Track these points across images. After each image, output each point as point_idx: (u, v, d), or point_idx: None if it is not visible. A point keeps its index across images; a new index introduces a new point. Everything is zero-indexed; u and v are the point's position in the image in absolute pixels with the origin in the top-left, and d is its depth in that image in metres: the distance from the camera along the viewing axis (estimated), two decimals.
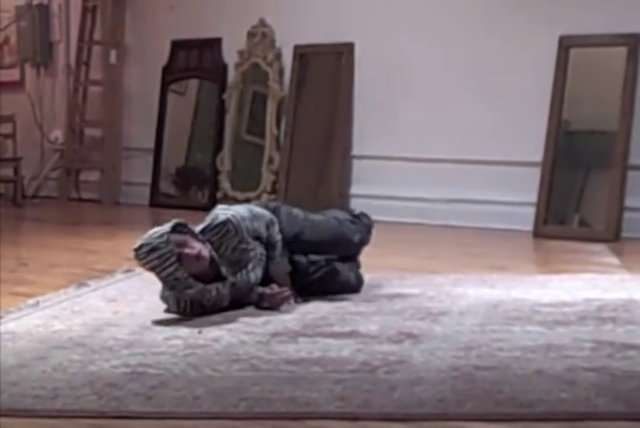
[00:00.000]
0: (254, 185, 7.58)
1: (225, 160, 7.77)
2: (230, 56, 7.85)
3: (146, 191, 8.21)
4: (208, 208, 5.39)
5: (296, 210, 4.16)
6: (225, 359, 3.07)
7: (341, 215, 4.28)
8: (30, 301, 4.01)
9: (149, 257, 3.58)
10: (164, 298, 3.77)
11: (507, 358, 3.06)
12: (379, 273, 4.47)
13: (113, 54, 8.40)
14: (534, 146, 6.34)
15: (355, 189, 7.24)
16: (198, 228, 3.79)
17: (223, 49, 7.91)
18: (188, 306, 3.71)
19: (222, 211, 3.85)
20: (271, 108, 7.55)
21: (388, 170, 7.04)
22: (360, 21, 7.17)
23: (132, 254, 3.64)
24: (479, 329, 3.48)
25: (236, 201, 7.14)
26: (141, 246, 3.59)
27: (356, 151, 7.25)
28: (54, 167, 8.94)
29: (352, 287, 4.18)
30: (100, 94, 8.55)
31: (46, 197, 8.86)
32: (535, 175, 6.33)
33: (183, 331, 3.46)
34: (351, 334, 3.40)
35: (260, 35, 7.63)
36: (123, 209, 8.23)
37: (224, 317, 3.68)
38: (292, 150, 7.43)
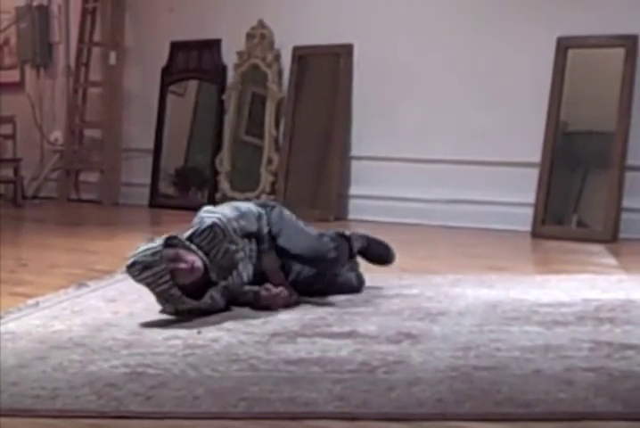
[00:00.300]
0: (253, 186, 7.59)
1: (224, 161, 7.78)
2: (229, 57, 7.86)
3: (146, 191, 8.22)
4: None
5: (288, 215, 4.08)
6: (224, 359, 3.07)
7: (330, 232, 4.17)
8: (30, 302, 4.01)
9: (142, 275, 3.56)
10: (161, 303, 3.75)
11: (506, 358, 3.06)
12: (378, 273, 4.47)
13: (113, 56, 8.41)
14: (532, 147, 6.35)
15: (353, 190, 7.25)
16: (186, 234, 3.75)
17: (222, 50, 7.92)
18: (186, 313, 3.71)
19: (207, 215, 3.81)
20: (270, 109, 7.56)
21: (386, 171, 7.05)
22: (359, 23, 7.18)
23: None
24: (477, 329, 3.48)
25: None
26: (134, 264, 3.55)
27: (354, 151, 7.26)
28: (54, 167, 8.95)
29: (352, 287, 4.18)
30: (99, 95, 8.56)
31: (46, 198, 8.87)
32: (533, 175, 6.34)
33: (182, 331, 3.46)
34: (350, 335, 3.41)
35: (259, 36, 7.64)
36: (123, 209, 8.24)
37: (223, 318, 3.69)
38: (291, 151, 7.44)
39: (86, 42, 8.68)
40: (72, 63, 8.80)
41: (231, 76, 7.85)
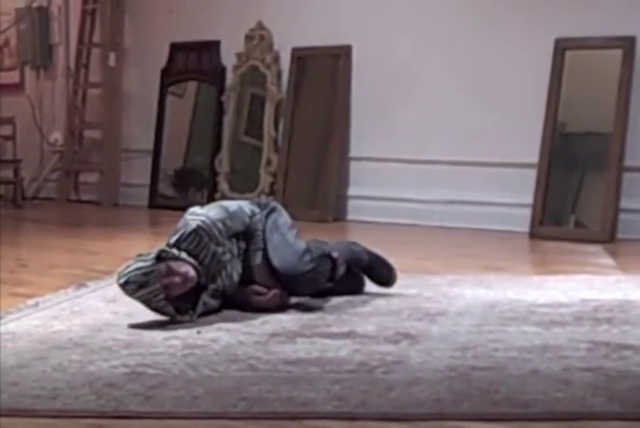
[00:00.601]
0: (252, 187, 7.60)
1: (223, 162, 7.79)
2: (228, 59, 7.87)
3: (145, 192, 8.23)
4: None
5: (283, 223, 3.94)
6: (223, 360, 3.08)
7: (317, 251, 3.93)
8: (30, 302, 4.02)
9: (137, 293, 3.55)
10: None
11: (504, 358, 3.07)
12: None
13: (112, 57, 8.42)
14: (530, 148, 6.36)
15: (352, 190, 7.26)
16: (173, 239, 3.71)
17: (221, 51, 7.93)
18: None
19: (192, 217, 3.75)
20: (269, 110, 7.57)
21: (385, 172, 7.06)
22: (357, 24, 7.19)
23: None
24: (475, 329, 3.49)
25: None
26: (127, 283, 3.53)
27: (353, 152, 7.27)
28: (54, 168, 8.96)
29: (352, 288, 4.17)
30: (99, 97, 8.57)
31: (46, 198, 8.87)
32: (531, 176, 6.35)
33: (181, 331, 3.47)
34: (349, 335, 3.42)
35: (258, 37, 7.65)
36: (122, 210, 8.25)
37: (222, 318, 3.70)
38: (290, 151, 7.45)
39: (86, 43, 8.68)
40: (72, 64, 8.80)
41: (230, 77, 7.86)
